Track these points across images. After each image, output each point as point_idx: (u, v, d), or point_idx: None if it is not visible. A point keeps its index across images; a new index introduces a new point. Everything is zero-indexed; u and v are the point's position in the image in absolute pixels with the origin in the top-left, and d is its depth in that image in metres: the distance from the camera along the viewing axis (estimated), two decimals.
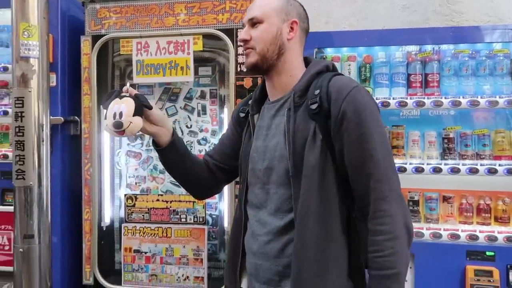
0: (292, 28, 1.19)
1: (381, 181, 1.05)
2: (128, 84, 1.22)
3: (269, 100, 1.26)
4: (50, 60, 2.06)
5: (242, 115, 1.34)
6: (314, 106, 1.10)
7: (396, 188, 1.08)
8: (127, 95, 1.19)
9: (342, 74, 1.21)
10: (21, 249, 1.88)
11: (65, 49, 2.30)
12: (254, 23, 1.19)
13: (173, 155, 1.29)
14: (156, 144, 1.29)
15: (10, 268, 2.16)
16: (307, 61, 1.24)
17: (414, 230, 2.01)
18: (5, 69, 2.41)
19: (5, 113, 2.37)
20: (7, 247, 2.29)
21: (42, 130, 1.94)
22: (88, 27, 2.30)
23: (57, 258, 2.12)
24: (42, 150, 1.94)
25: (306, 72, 1.18)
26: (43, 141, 1.95)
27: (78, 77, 2.29)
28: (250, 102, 1.32)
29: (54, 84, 2.22)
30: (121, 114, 1.14)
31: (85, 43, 2.28)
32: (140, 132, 1.20)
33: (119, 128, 1.14)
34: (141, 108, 1.17)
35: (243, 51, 1.25)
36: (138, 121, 1.16)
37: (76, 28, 2.34)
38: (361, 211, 1.10)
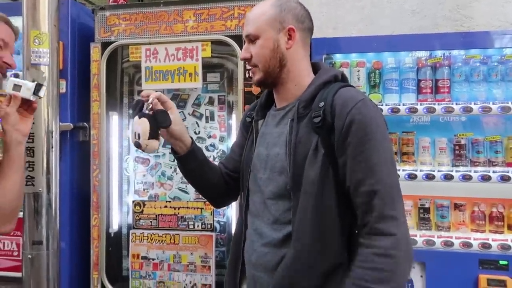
0: (290, 36, 1.14)
1: (384, 199, 1.00)
2: (151, 98, 1.19)
3: (275, 106, 1.25)
4: (60, 67, 2.07)
5: (248, 120, 1.33)
6: (317, 120, 1.07)
7: (399, 209, 1.03)
8: (146, 112, 1.18)
9: (351, 85, 1.17)
10: (29, 256, 1.89)
11: (75, 56, 2.32)
12: (251, 39, 1.16)
13: (191, 163, 1.29)
14: (175, 151, 1.29)
15: (18, 274, 2.17)
16: (317, 67, 1.22)
17: (425, 238, 2.01)
18: (16, 76, 2.44)
19: None
20: (15, 253, 2.30)
21: (52, 137, 1.96)
22: (98, 34, 2.31)
23: (65, 264, 2.12)
24: (52, 156, 1.95)
25: (313, 82, 1.15)
26: (52, 147, 1.96)
27: (87, 84, 2.30)
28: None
29: (64, 90, 2.24)
30: (139, 135, 1.16)
31: (95, 50, 2.29)
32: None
33: (138, 148, 1.19)
34: (157, 131, 1.17)
35: (248, 69, 1.24)
36: (154, 143, 1.17)
37: (86, 35, 2.36)
38: (362, 229, 1.06)
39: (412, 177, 2.05)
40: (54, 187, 1.95)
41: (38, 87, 1.19)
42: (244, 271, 1.24)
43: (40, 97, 1.23)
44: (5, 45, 1.19)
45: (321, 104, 1.08)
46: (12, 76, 1.30)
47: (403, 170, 2.08)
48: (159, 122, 1.17)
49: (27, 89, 1.17)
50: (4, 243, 2.31)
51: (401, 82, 2.22)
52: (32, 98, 1.19)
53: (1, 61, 1.18)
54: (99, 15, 2.32)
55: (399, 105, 2.14)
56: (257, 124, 1.27)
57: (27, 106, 1.21)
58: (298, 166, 1.08)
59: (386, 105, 2.15)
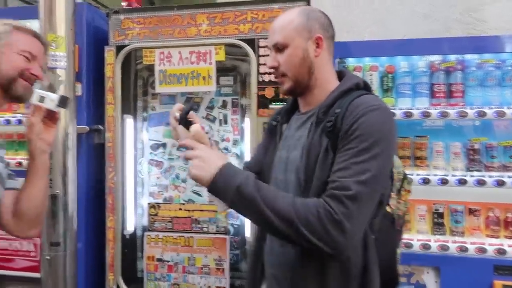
0: (318, 44, 1.16)
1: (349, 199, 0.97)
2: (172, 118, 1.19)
3: (299, 111, 1.27)
4: (76, 70, 2.10)
5: (273, 123, 1.34)
6: (329, 124, 1.08)
7: (356, 209, 0.98)
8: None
9: (372, 94, 1.17)
10: (47, 257, 1.92)
11: (90, 59, 2.34)
12: (278, 48, 1.17)
13: None
14: None
15: (35, 274, 2.21)
16: (342, 75, 1.23)
17: (440, 243, 2.01)
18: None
19: (20, 122, 2.41)
20: (33, 253, 2.33)
21: (69, 139, 1.99)
22: (112, 38, 2.34)
23: (81, 265, 2.15)
24: (68, 158, 1.98)
25: (335, 89, 1.16)
26: (69, 149, 1.99)
27: (102, 87, 2.33)
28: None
29: (79, 93, 2.26)
30: None
31: (109, 53, 2.32)
32: None
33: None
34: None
35: (275, 77, 1.23)
36: None
37: (101, 38, 2.38)
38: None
39: (426, 181, 2.06)
40: (70, 189, 1.98)
41: (62, 98, 1.23)
42: (263, 271, 1.26)
43: (64, 108, 1.27)
44: (33, 57, 1.22)
45: (337, 110, 1.10)
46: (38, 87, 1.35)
47: (417, 175, 2.09)
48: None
49: (51, 101, 1.22)
50: (21, 243, 2.34)
51: (414, 86, 2.22)
52: (55, 109, 1.23)
53: (28, 73, 1.21)
54: (113, 19, 2.34)
55: (412, 109, 2.14)
56: (281, 127, 1.29)
57: (51, 117, 1.25)
58: (310, 168, 1.10)
59: (399, 109, 2.15)
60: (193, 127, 1.09)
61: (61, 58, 1.98)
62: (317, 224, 0.97)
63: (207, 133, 1.12)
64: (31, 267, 2.32)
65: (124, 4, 2.52)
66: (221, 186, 1.03)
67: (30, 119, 1.22)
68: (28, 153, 1.24)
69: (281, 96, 2.08)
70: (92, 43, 2.37)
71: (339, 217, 0.96)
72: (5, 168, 1.19)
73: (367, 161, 1.00)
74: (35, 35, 1.26)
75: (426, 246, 2.02)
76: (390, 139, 1.06)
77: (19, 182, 1.29)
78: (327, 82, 1.19)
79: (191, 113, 1.15)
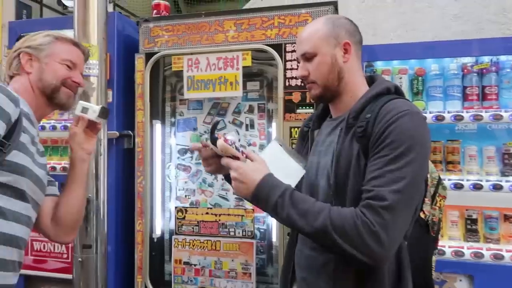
0: (346, 50, 1.17)
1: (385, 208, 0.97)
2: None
3: (330, 116, 1.27)
4: (107, 77, 2.16)
5: (305, 130, 1.36)
6: (360, 130, 1.08)
7: (394, 224, 0.97)
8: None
9: (404, 98, 1.15)
10: (80, 259, 1.97)
11: (120, 66, 2.41)
12: (307, 57, 1.19)
13: None
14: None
15: (67, 275, 2.27)
16: (373, 80, 1.22)
17: (473, 250, 1.95)
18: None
19: (65, 127, 2.51)
20: (65, 255, 2.41)
21: (100, 144, 2.04)
22: (142, 45, 2.40)
23: (111, 267, 2.20)
24: (100, 163, 2.03)
25: (365, 94, 1.16)
26: (101, 154, 2.04)
27: (131, 93, 2.39)
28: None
29: (110, 100, 2.33)
30: None
31: (139, 61, 2.38)
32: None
33: None
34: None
35: (305, 85, 1.25)
36: None
37: (131, 46, 2.45)
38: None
39: (458, 186, 2.00)
40: (102, 193, 2.03)
41: (103, 110, 1.28)
42: (295, 274, 1.27)
43: (104, 119, 1.32)
44: (73, 65, 1.27)
45: (368, 115, 1.09)
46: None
47: (449, 180, 2.03)
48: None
49: (93, 112, 1.27)
50: (54, 245, 2.42)
51: (446, 89, 2.17)
52: (97, 120, 1.28)
53: (70, 81, 1.26)
54: (143, 27, 2.40)
55: (444, 112, 2.09)
56: (312, 134, 1.31)
57: (92, 127, 1.31)
58: (340, 173, 1.10)
59: (430, 112, 2.10)
60: (218, 143, 1.12)
61: (94, 66, 2.04)
62: (355, 235, 0.97)
63: (232, 144, 1.13)
64: (63, 269, 2.39)
65: (153, 12, 2.60)
66: (261, 202, 1.09)
67: (73, 129, 1.28)
68: (69, 161, 1.30)
69: (308, 100, 2.07)
70: (122, 51, 2.44)
71: (376, 228, 0.96)
72: (46, 175, 1.23)
73: (401, 169, 0.99)
74: (75, 43, 1.31)
75: (458, 253, 1.95)
76: (424, 144, 1.04)
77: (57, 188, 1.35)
78: (356, 87, 1.19)
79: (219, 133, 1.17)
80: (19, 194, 1.10)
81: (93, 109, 1.27)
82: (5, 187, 1.06)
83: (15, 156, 1.07)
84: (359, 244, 0.97)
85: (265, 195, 1.07)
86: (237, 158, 1.12)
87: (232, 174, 1.11)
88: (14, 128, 1.06)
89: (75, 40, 1.33)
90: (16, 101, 1.07)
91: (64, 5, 2.98)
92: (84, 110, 1.27)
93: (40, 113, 1.25)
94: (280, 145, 1.24)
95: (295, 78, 2.10)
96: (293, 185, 1.17)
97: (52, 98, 1.24)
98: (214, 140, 1.14)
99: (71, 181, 1.29)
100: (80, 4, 1.95)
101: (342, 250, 0.99)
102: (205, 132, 2.47)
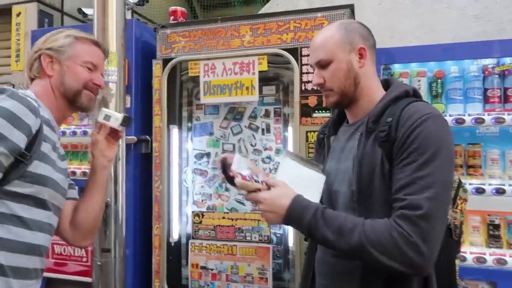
0: (361, 55, 1.16)
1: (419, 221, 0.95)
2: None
3: (347, 122, 1.26)
4: (126, 83, 2.19)
5: (321, 136, 1.35)
6: (382, 134, 1.06)
7: (432, 232, 0.95)
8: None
9: (423, 101, 1.14)
10: (99, 262, 2.00)
11: (138, 72, 2.45)
12: (322, 65, 1.17)
13: None
14: None
15: (86, 278, 2.31)
16: (390, 83, 1.21)
17: (496, 256, 1.89)
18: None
19: (85, 133, 2.57)
20: (84, 259, 2.45)
21: (119, 149, 2.07)
22: (159, 51, 2.43)
23: (129, 271, 2.22)
24: (119, 168, 2.06)
25: (383, 97, 1.15)
26: (119, 160, 2.07)
27: (149, 98, 2.42)
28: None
29: (128, 105, 2.36)
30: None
31: (157, 67, 2.41)
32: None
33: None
34: None
35: (322, 92, 1.23)
36: None
37: (148, 52, 2.49)
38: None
39: (480, 191, 1.95)
40: (120, 198, 2.06)
41: (125, 118, 1.28)
42: (314, 281, 1.26)
43: (126, 127, 1.32)
44: (94, 67, 1.26)
45: (389, 119, 1.07)
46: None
47: (470, 184, 1.98)
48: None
49: (115, 119, 1.27)
50: (74, 249, 2.46)
51: (466, 91, 2.12)
52: (119, 128, 1.29)
53: (91, 83, 1.25)
54: (160, 33, 2.43)
55: (464, 115, 2.05)
56: (329, 140, 1.29)
57: (113, 134, 1.31)
58: (363, 179, 1.08)
59: (449, 115, 2.07)
60: (237, 182, 1.09)
61: (112, 73, 2.08)
62: (393, 248, 0.96)
63: (251, 178, 1.11)
64: (83, 272, 2.43)
65: (170, 18, 2.63)
66: (295, 226, 1.11)
67: (95, 136, 1.29)
68: (90, 168, 1.31)
69: (324, 104, 2.06)
70: (140, 57, 2.47)
71: (414, 239, 0.94)
72: (66, 179, 1.24)
73: (431, 174, 0.97)
74: (96, 43, 1.28)
75: (480, 260, 1.90)
76: (449, 147, 1.03)
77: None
78: (373, 92, 1.18)
79: (232, 168, 1.13)
80: (41, 203, 1.11)
81: (115, 117, 1.27)
82: (27, 198, 1.07)
83: (36, 167, 1.07)
84: (398, 257, 0.95)
85: (297, 219, 1.06)
86: (258, 189, 1.10)
87: (260, 207, 1.09)
88: (35, 138, 1.06)
89: (95, 39, 1.30)
90: (36, 111, 1.07)
91: (84, 13, 3.04)
92: (107, 117, 1.27)
93: (60, 116, 1.25)
94: (292, 159, 1.21)
95: (311, 82, 2.09)
96: (319, 194, 1.16)
97: (73, 102, 1.23)
98: (230, 180, 1.11)
99: (91, 187, 1.30)
100: (99, 12, 1.99)
101: (380, 263, 0.98)
102: (221, 137, 2.47)
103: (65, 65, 1.21)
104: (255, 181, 1.10)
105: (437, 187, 0.96)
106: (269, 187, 1.10)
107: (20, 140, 1.02)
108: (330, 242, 1.02)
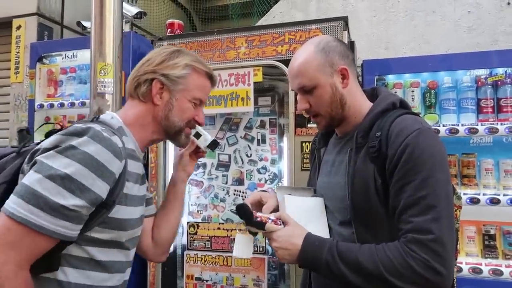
0: (343, 75, 1.14)
1: (429, 245, 0.95)
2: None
3: (336, 134, 1.26)
4: (122, 95, 2.21)
5: (313, 147, 1.35)
6: (373, 150, 1.06)
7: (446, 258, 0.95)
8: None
9: (411, 113, 1.13)
10: None
11: None
12: (306, 90, 1.15)
13: None
14: None
15: None
16: (377, 93, 1.20)
17: (492, 267, 1.88)
18: (83, 104, 2.64)
19: (83, 103, 2.60)
20: None
21: None
22: None
23: None
24: None
25: (371, 110, 1.14)
26: None
27: None
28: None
29: None
30: None
31: None
32: None
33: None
34: None
35: (309, 118, 1.22)
36: None
37: None
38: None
39: (474, 201, 1.95)
40: None
41: (214, 142, 1.28)
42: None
43: (211, 151, 1.34)
44: (201, 103, 1.17)
45: (378, 134, 1.07)
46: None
47: (464, 194, 1.98)
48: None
49: (204, 140, 1.26)
50: None
51: (459, 101, 2.14)
52: (204, 149, 1.29)
53: (194, 121, 1.17)
54: (157, 45, 2.46)
55: (458, 125, 2.06)
56: (319, 152, 1.29)
57: (196, 152, 1.30)
58: (356, 195, 1.08)
59: (443, 125, 2.08)
60: (268, 228, 1.10)
61: (109, 84, 2.10)
62: (412, 274, 0.95)
63: (277, 221, 1.14)
64: None
65: (167, 30, 2.66)
66: (312, 266, 1.07)
67: (183, 151, 1.28)
68: (170, 181, 1.29)
69: None
70: None
71: (431, 263, 0.94)
72: (144, 203, 1.18)
73: (433, 192, 0.97)
74: (209, 75, 1.18)
75: (476, 270, 1.89)
76: (443, 160, 1.03)
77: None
78: (359, 106, 1.17)
79: (256, 214, 1.14)
80: (120, 245, 1.05)
81: (205, 137, 1.25)
82: (107, 242, 1.02)
83: (117, 212, 1.00)
84: (419, 281, 0.95)
85: (312, 258, 1.05)
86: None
87: (274, 244, 1.10)
88: (117, 183, 0.97)
89: (210, 71, 1.18)
90: (120, 155, 0.97)
91: (83, 26, 3.08)
92: (197, 135, 1.24)
93: (147, 144, 1.16)
94: (290, 194, 1.22)
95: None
96: (325, 219, 1.18)
97: (172, 138, 1.16)
98: (260, 226, 1.11)
99: (172, 199, 1.28)
100: (96, 24, 2.02)
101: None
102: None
103: (175, 97, 1.11)
104: (274, 222, 1.11)
105: (441, 205, 0.96)
106: (283, 223, 1.12)
107: (103, 190, 0.93)
108: (349, 279, 1.01)
